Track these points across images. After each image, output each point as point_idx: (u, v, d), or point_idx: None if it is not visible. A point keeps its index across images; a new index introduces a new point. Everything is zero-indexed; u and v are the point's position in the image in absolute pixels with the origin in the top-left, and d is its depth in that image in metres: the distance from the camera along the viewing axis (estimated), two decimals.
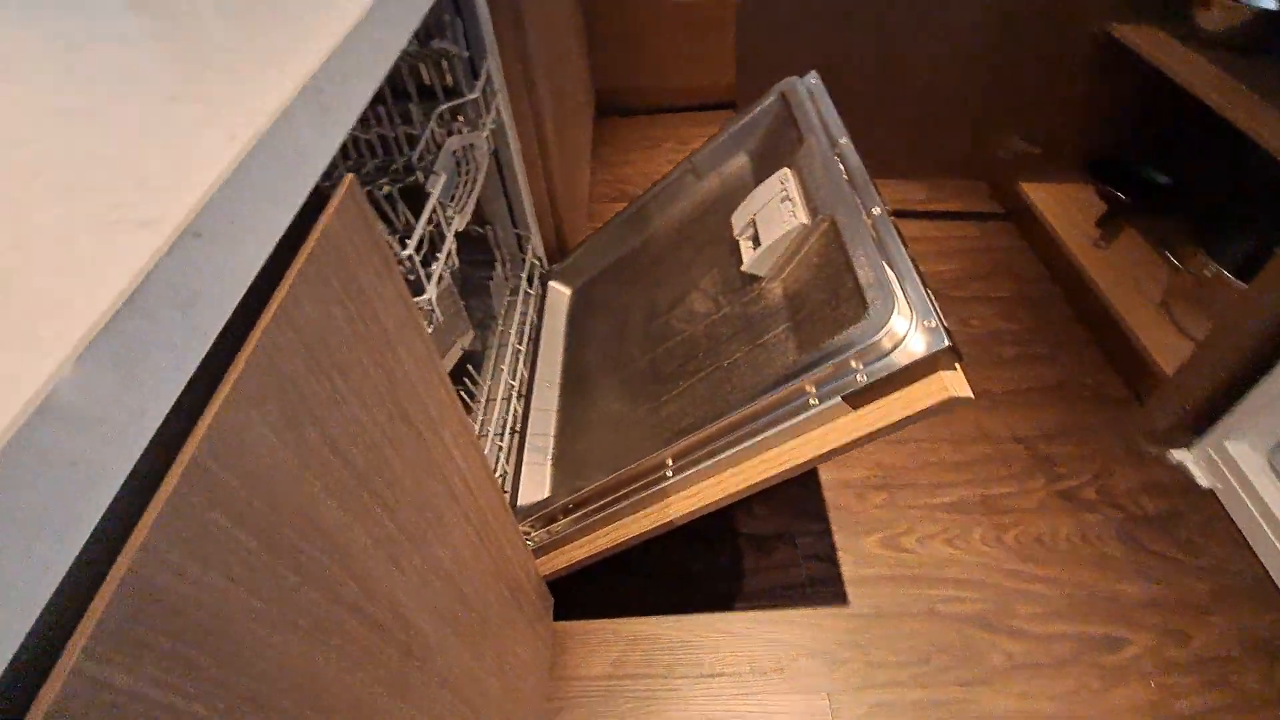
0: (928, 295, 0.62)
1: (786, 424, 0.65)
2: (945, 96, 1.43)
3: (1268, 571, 1.00)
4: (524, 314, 1.09)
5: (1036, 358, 1.31)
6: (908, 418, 0.59)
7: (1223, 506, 1.08)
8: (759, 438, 0.67)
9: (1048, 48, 1.33)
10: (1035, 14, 1.29)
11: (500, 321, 1.09)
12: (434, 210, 0.66)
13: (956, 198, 1.64)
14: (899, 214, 1.64)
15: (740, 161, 0.99)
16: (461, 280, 1.12)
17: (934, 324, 0.60)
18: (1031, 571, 1.01)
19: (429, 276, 0.65)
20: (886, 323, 0.60)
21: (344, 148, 0.85)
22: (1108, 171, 1.46)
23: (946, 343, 0.58)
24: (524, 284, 1.12)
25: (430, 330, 0.65)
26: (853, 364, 0.62)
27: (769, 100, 0.96)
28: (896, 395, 0.61)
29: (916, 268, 0.65)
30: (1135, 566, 1.01)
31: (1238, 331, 0.99)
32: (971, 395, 0.58)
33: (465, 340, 0.98)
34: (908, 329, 0.60)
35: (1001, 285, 1.46)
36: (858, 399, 0.62)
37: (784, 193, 0.80)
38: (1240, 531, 1.04)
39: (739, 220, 0.87)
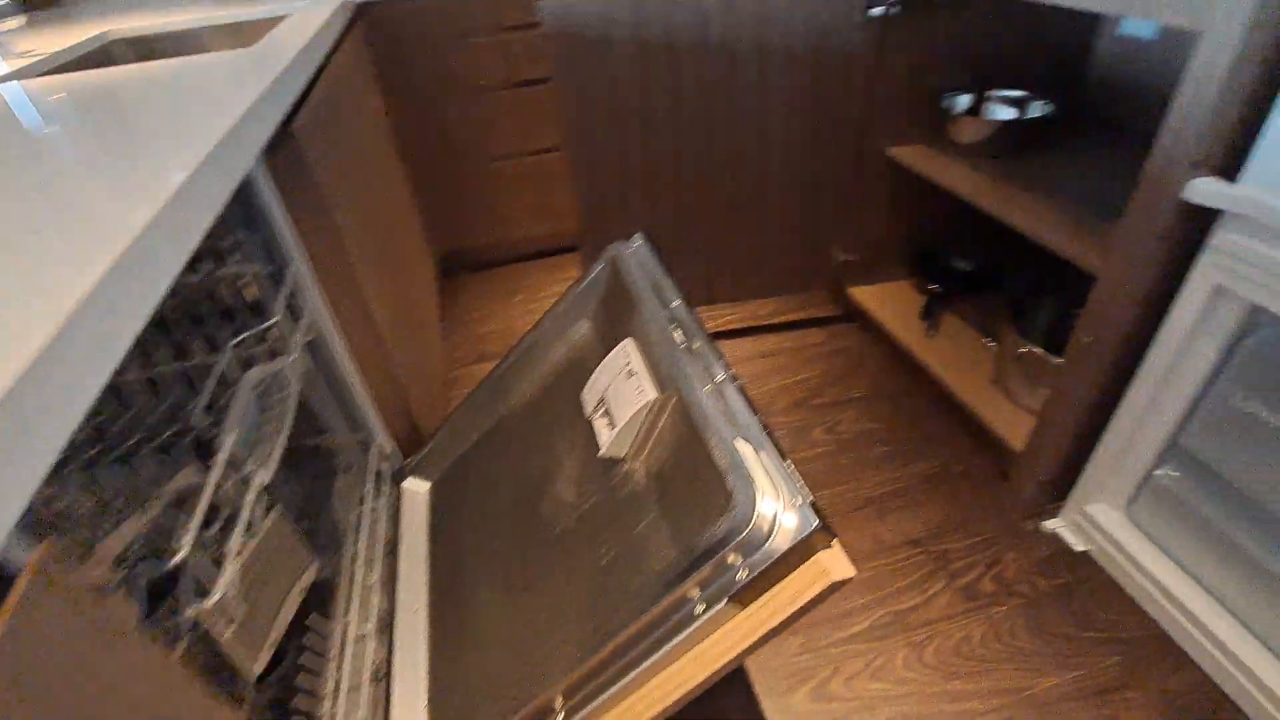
0: (787, 467, 0.60)
1: (677, 638, 0.58)
2: (774, 218, 1.54)
3: (1160, 626, 1.03)
4: (374, 528, 0.97)
5: (906, 453, 1.35)
6: (796, 612, 0.54)
7: (1101, 568, 1.12)
8: (651, 660, 0.59)
9: (848, 168, 1.48)
10: (834, 140, 1.43)
11: (350, 542, 0.95)
12: (221, 475, 0.56)
13: (801, 308, 1.74)
14: (752, 330, 1.71)
15: (584, 330, 0.97)
16: (305, 497, 0.99)
17: (800, 501, 0.57)
18: (959, 689, 0.97)
19: (224, 559, 0.54)
20: (753, 510, 0.56)
21: (117, 392, 0.73)
22: (923, 265, 1.62)
23: (816, 522, 0.55)
24: (371, 492, 1.00)
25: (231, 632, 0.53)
26: (730, 559, 0.57)
27: (599, 267, 0.96)
28: (781, 585, 0.56)
29: (771, 437, 0.63)
30: (1050, 656, 1.00)
31: (1065, 402, 1.07)
32: (853, 573, 0.55)
33: (308, 576, 0.84)
34: (777, 511, 0.57)
35: (858, 385, 1.52)
36: (744, 596, 0.57)
37: (629, 366, 0.77)
38: (1122, 589, 1.08)
39: (590, 398, 0.83)
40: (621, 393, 0.76)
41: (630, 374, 0.76)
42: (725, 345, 1.68)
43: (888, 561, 1.16)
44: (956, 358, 1.40)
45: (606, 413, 0.78)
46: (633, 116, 1.33)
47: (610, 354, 0.82)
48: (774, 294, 1.69)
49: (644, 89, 1.30)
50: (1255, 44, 0.71)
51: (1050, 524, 1.19)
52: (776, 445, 0.62)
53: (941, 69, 1.38)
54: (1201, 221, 0.83)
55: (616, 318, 0.89)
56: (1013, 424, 1.24)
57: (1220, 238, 0.82)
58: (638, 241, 0.96)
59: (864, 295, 1.64)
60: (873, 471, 1.32)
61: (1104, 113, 1.42)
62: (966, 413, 1.31)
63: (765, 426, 0.64)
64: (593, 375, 0.84)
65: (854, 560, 1.16)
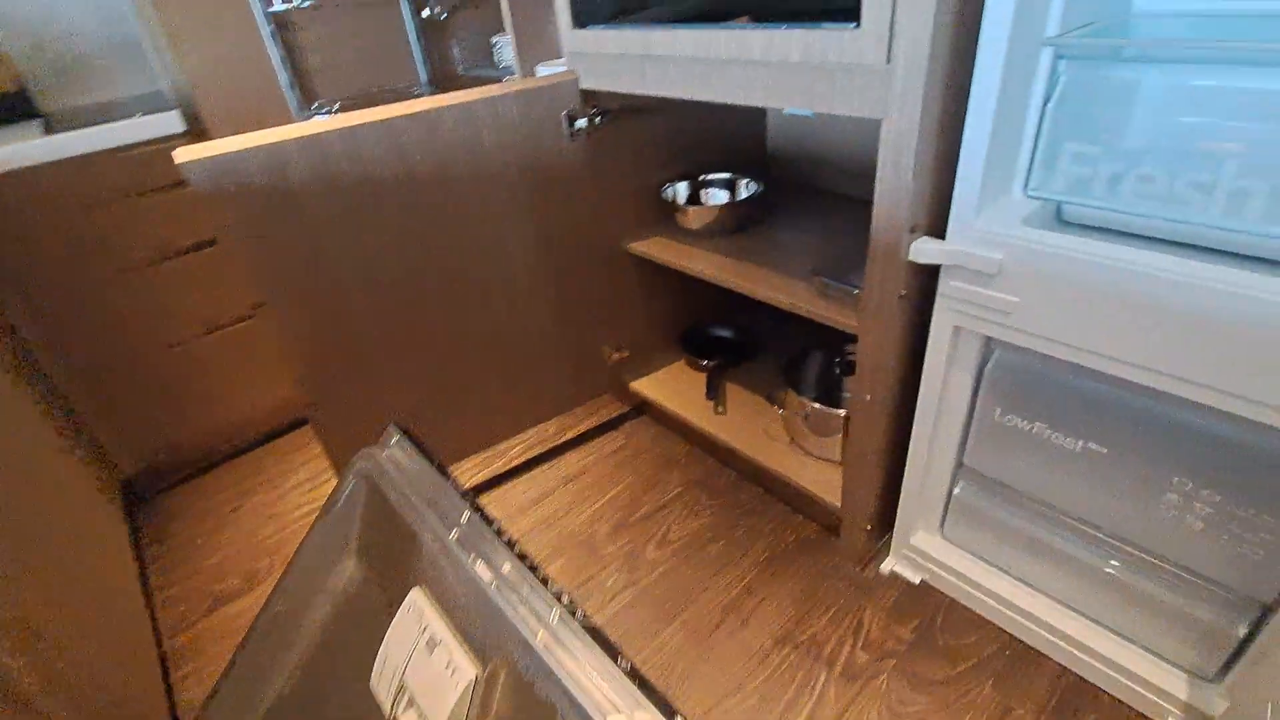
0: None
1: None
2: (536, 338, 1.42)
3: (1008, 633, 1.08)
4: None
5: (740, 540, 1.30)
6: None
7: (942, 593, 1.16)
8: None
9: (597, 272, 1.43)
10: (576, 249, 1.37)
11: None
12: None
13: (590, 415, 1.64)
14: (548, 455, 1.56)
15: (350, 573, 0.73)
16: None
17: None
18: None
19: None
20: None
21: None
22: (692, 342, 1.63)
23: None
24: None
25: None
26: None
27: (349, 487, 0.74)
28: None
29: (643, 683, 0.48)
30: (939, 708, 0.99)
31: (864, 452, 1.11)
32: None
33: None
34: None
35: (670, 481, 1.46)
36: None
37: (427, 632, 0.57)
38: (966, 608, 1.13)
39: (384, 686, 0.60)
40: (427, 675, 0.55)
41: (432, 644, 0.56)
42: (524, 483, 1.51)
43: (769, 672, 1.07)
44: (751, 428, 1.41)
45: (413, 705, 0.56)
46: (343, 267, 1.12)
47: (397, 615, 0.60)
48: (559, 412, 1.57)
49: (351, 234, 1.11)
50: (928, 128, 0.79)
51: (886, 565, 1.22)
52: (656, 695, 0.48)
53: (655, 165, 1.42)
54: (931, 274, 0.90)
55: (392, 555, 0.67)
56: (824, 480, 1.26)
57: (946, 286, 0.89)
58: (393, 438, 0.76)
59: (647, 387, 1.60)
60: (716, 575, 1.24)
61: (794, 179, 1.58)
62: (779, 480, 1.31)
63: (632, 672, 0.49)
64: (380, 649, 0.61)
65: (741, 684, 1.06)
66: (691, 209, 1.36)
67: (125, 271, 1.39)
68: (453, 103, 1.12)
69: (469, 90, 1.14)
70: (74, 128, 1.32)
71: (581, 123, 1.25)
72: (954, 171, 0.81)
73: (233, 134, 1.35)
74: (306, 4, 1.39)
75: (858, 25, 0.77)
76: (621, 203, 1.41)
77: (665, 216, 1.46)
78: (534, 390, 1.49)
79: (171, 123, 1.35)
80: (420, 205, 1.16)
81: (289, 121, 1.46)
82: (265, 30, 1.37)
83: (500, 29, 1.65)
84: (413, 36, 1.56)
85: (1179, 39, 0.76)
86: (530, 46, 1.38)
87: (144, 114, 1.34)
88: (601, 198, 1.37)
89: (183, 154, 0.95)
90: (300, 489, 1.59)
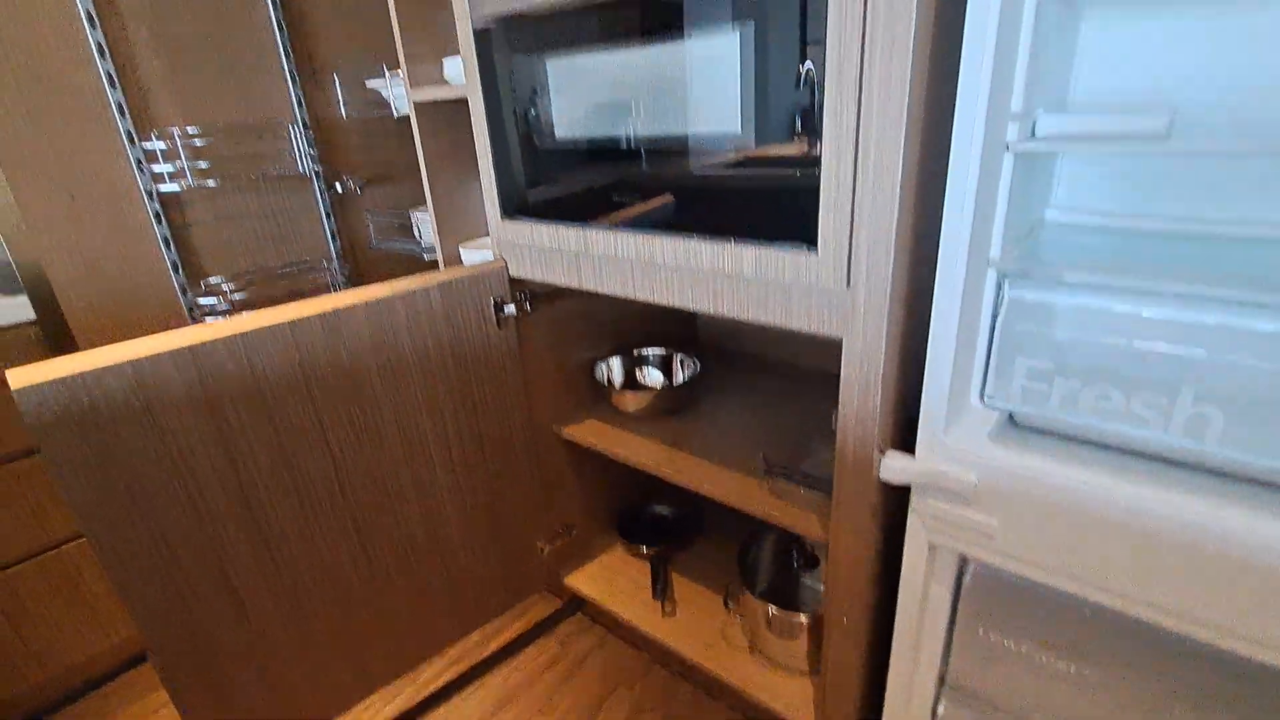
0: None
1: None
2: (460, 542, 1.24)
3: None
4: None
5: None
6: None
7: None
8: None
9: (528, 461, 1.29)
10: (503, 440, 1.24)
11: None
12: None
13: (520, 617, 1.43)
14: (474, 674, 1.33)
15: None
16: None
17: None
18: None
19: None
20: None
21: None
22: (629, 525, 1.50)
23: None
24: None
25: None
26: None
27: None
28: None
29: None
30: None
31: (839, 674, 0.99)
32: None
33: None
34: None
35: (619, 703, 1.26)
36: None
37: None
38: None
39: None
40: None
41: None
42: (445, 712, 1.26)
43: None
44: (706, 630, 1.26)
45: None
46: (213, 491, 0.93)
47: None
48: (484, 620, 1.36)
49: (229, 452, 0.93)
50: (891, 347, 0.76)
51: None
52: None
53: (585, 342, 1.36)
54: (902, 490, 0.84)
55: None
56: (793, 696, 1.12)
57: (918, 503, 0.83)
58: None
59: (584, 581, 1.43)
60: None
61: (725, 342, 1.56)
62: (742, 697, 1.15)
63: None
64: None
65: None
66: (628, 394, 1.28)
67: None
68: (368, 299, 1.01)
69: (386, 284, 1.04)
70: None
71: (509, 309, 1.17)
72: (915, 382, 0.77)
73: (96, 321, 1.17)
74: (204, 184, 1.27)
75: (813, 247, 0.74)
76: (551, 385, 1.32)
77: (598, 396, 1.37)
78: (454, 600, 1.28)
79: (16, 310, 1.15)
80: (323, 411, 1.01)
81: (170, 305, 1.29)
82: (148, 208, 1.23)
83: (419, 203, 1.60)
84: (323, 210, 1.47)
85: (1104, 267, 0.79)
86: (452, 223, 1.32)
87: None
88: (530, 382, 1.27)
89: (19, 376, 0.76)
90: None
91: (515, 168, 1.07)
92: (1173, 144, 0.70)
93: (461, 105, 1.09)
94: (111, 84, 1.16)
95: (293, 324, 0.94)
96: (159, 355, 0.84)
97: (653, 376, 1.41)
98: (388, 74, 1.30)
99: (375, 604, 1.17)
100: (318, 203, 1.46)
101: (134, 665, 1.43)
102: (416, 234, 1.48)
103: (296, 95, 1.38)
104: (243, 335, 0.90)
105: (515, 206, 1.10)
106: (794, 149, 0.73)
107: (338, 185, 1.47)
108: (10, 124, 1.08)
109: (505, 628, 1.42)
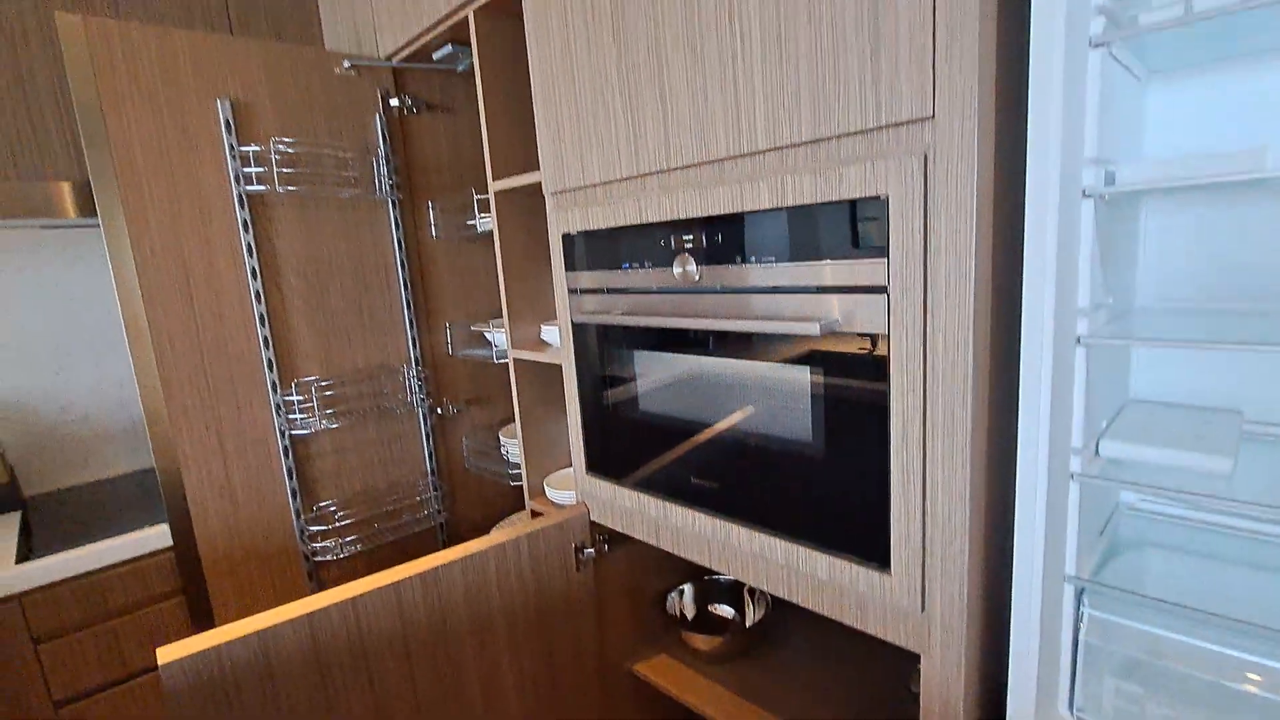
0: None
1: None
2: None
3: None
4: None
5: None
6: None
7: None
8: None
9: (596, 691, 1.29)
10: (573, 669, 1.25)
11: None
12: None
13: None
14: None
15: None
16: None
17: None
18: None
19: None
20: None
21: None
22: None
23: None
24: None
25: None
26: None
27: None
28: None
29: None
30: None
31: None
32: None
33: None
34: None
35: None
36: None
37: None
38: None
39: None
40: None
41: None
42: None
43: None
44: None
45: None
46: None
47: None
48: None
49: (326, 704, 0.99)
50: (971, 665, 0.76)
51: None
52: None
53: (658, 574, 1.39)
54: None
55: None
56: None
57: None
58: None
59: None
60: None
61: None
62: None
63: None
64: None
65: None
66: (698, 637, 1.28)
67: (46, 711, 1.21)
68: (464, 554, 1.09)
69: (481, 539, 1.13)
70: (51, 523, 1.26)
71: (589, 552, 1.24)
72: (1001, 682, 0.76)
73: (223, 545, 1.29)
74: (329, 425, 1.45)
75: (885, 568, 0.78)
76: (624, 620, 1.34)
77: (669, 624, 1.38)
78: None
79: (159, 539, 1.31)
80: (416, 666, 1.06)
81: (285, 530, 1.43)
82: (280, 446, 1.41)
83: (511, 420, 1.75)
84: (424, 433, 1.63)
85: (1186, 605, 0.78)
86: (539, 459, 1.44)
87: (134, 521, 1.30)
88: (604, 617, 1.30)
89: (166, 653, 0.87)
90: None
91: (602, 430, 1.18)
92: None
93: (555, 367, 1.24)
94: (266, 345, 1.38)
95: (397, 585, 1.03)
96: (280, 625, 0.94)
97: (724, 609, 1.42)
98: (492, 325, 1.50)
99: None
100: (420, 427, 1.62)
101: None
102: (505, 454, 1.60)
103: (412, 338, 1.59)
104: (353, 600, 0.99)
105: (600, 464, 1.20)
106: (863, 467, 0.79)
107: (439, 409, 1.64)
108: (189, 383, 1.29)
109: None
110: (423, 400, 1.60)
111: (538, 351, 1.31)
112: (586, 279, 1.11)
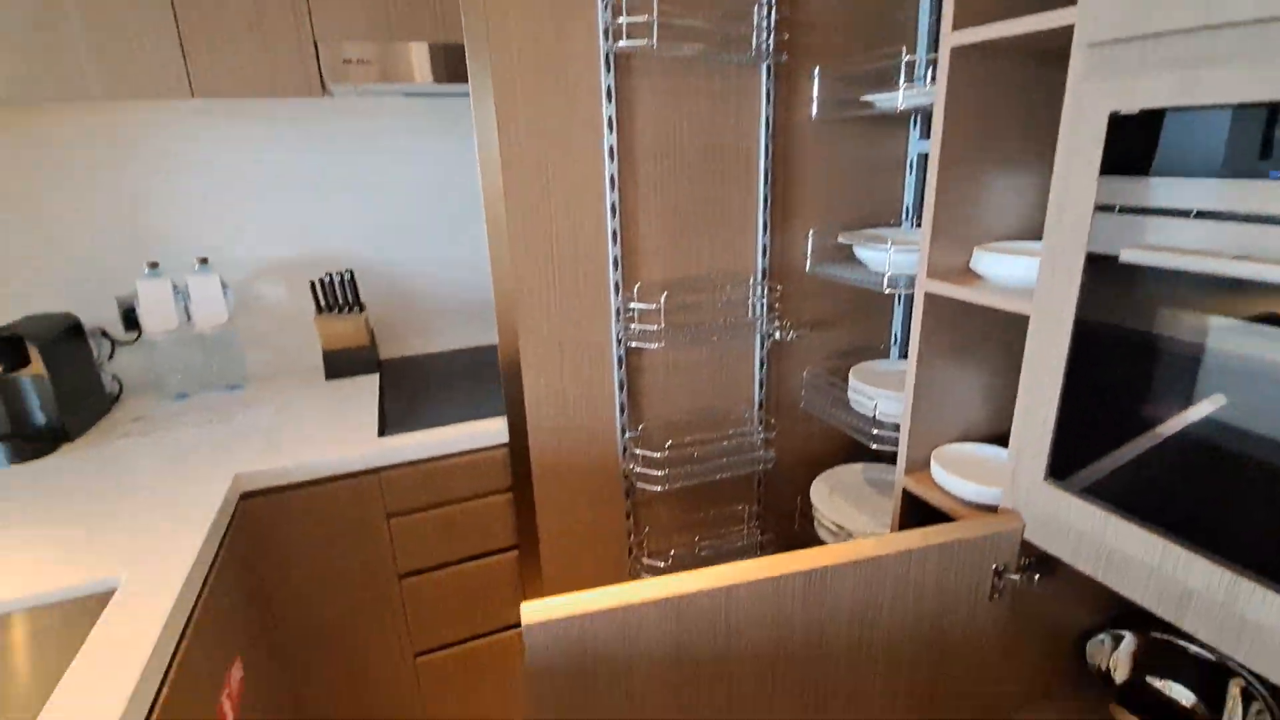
0: None
1: None
2: None
3: None
4: None
5: None
6: None
7: None
8: None
9: None
10: (952, 705, 0.96)
11: None
12: None
13: None
14: None
15: None
16: None
17: None
18: None
19: None
20: None
21: None
22: None
23: None
24: None
25: None
26: None
27: None
28: None
29: None
30: None
31: None
32: None
33: None
34: None
35: None
36: None
37: None
38: None
39: None
40: None
41: None
42: None
43: None
44: None
45: None
46: None
47: None
48: None
49: (675, 702, 0.82)
50: None
51: None
52: None
53: (1082, 612, 1.00)
54: None
55: None
56: None
57: None
58: None
59: None
60: None
61: None
62: None
63: None
64: None
65: None
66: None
67: (391, 581, 1.25)
68: (855, 556, 0.81)
69: (877, 539, 0.84)
70: (403, 394, 1.27)
71: (1012, 579, 0.88)
72: None
73: (551, 449, 1.18)
74: (666, 338, 1.24)
75: None
76: (1025, 663, 0.99)
77: (1081, 681, 1.00)
78: None
79: (498, 434, 1.25)
80: (778, 676, 0.84)
81: (609, 444, 1.30)
82: (614, 356, 1.24)
83: (857, 354, 1.41)
84: (758, 358, 1.36)
85: None
86: (928, 423, 1.08)
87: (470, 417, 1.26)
88: (1002, 658, 0.96)
89: (531, 612, 0.73)
90: None
91: (1086, 424, 0.78)
92: None
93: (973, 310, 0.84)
94: (614, 240, 1.18)
95: (777, 580, 0.79)
96: (645, 604, 0.76)
97: (1179, 690, 0.99)
98: (865, 239, 1.13)
99: None
100: (755, 351, 1.36)
101: None
102: (852, 399, 1.28)
103: (764, 244, 1.29)
104: (726, 589, 0.77)
105: (1065, 468, 0.81)
106: None
107: (777, 333, 1.35)
108: (538, 274, 1.15)
109: None
110: (764, 319, 1.33)
111: (962, 285, 0.92)
112: (1150, 192, 0.68)
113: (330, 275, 1.52)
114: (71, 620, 0.82)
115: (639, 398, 1.30)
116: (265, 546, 1.15)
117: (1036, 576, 0.90)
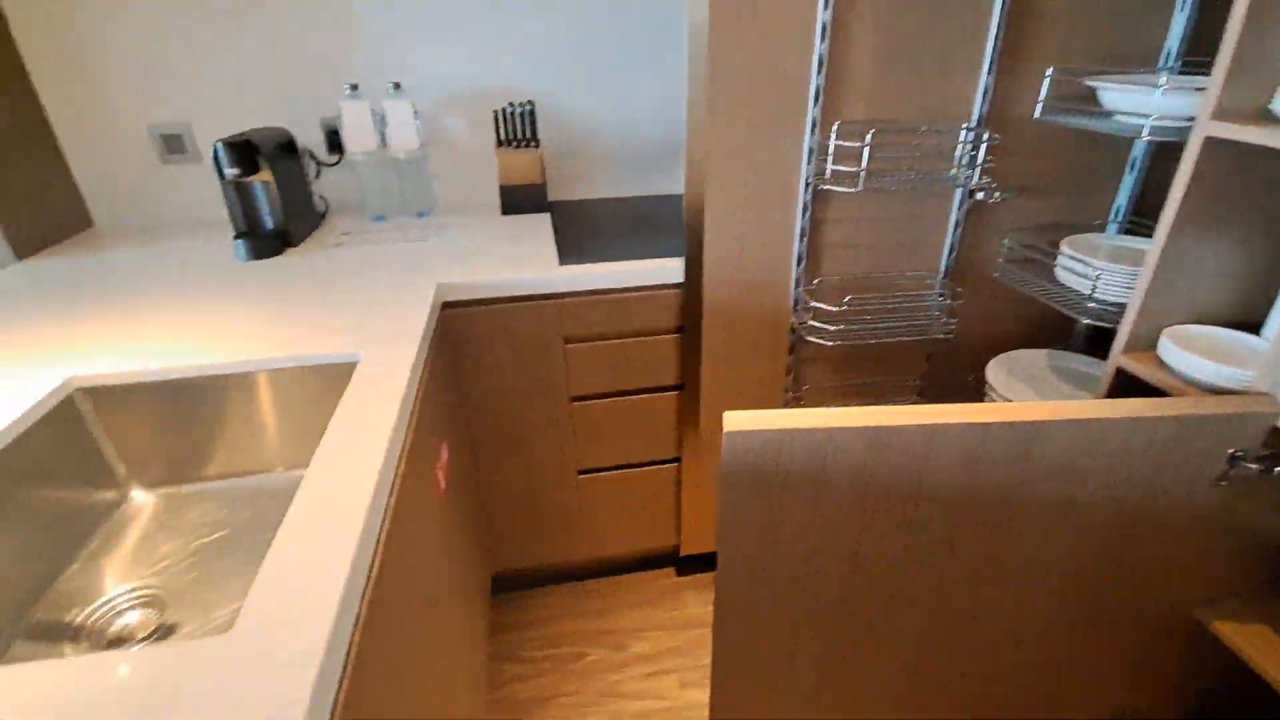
0: None
1: None
2: (1011, 682, 1.02)
3: None
4: None
5: None
6: None
7: None
8: None
9: (1140, 634, 0.97)
10: (1120, 600, 0.94)
11: None
12: None
13: None
14: None
15: None
16: None
17: None
18: None
19: None
20: None
21: None
22: None
23: None
24: None
25: None
26: None
27: None
28: None
29: None
30: None
31: None
32: None
33: None
34: None
35: None
36: None
37: None
38: None
39: None
40: None
41: None
42: None
43: None
44: None
45: None
46: (825, 558, 0.86)
47: None
48: None
49: (854, 532, 0.84)
50: None
51: None
52: None
53: None
54: None
55: None
56: None
57: None
58: None
59: None
60: None
61: None
62: None
63: None
64: None
65: None
66: None
67: (563, 402, 1.35)
68: (1076, 415, 0.77)
69: (1098, 402, 0.78)
70: (573, 233, 1.31)
71: (1249, 466, 0.80)
72: None
73: (723, 290, 1.18)
74: (858, 184, 1.16)
75: None
76: (1226, 558, 0.92)
77: (1277, 584, 0.93)
78: None
79: (674, 272, 1.26)
80: (961, 526, 0.84)
81: (781, 295, 1.27)
82: (800, 199, 1.18)
83: (1066, 225, 1.26)
84: (954, 220, 1.26)
85: None
86: (1165, 298, 0.96)
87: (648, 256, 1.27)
88: (1205, 549, 0.90)
89: (733, 421, 0.76)
90: (640, 667, 1.43)
91: None
92: None
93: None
94: (819, 68, 1.08)
95: (986, 426, 0.76)
96: (846, 429, 0.76)
97: None
98: (1113, 80, 0.96)
99: (899, 703, 1.04)
100: (952, 210, 1.25)
101: (642, 569, 1.65)
102: (1061, 272, 1.16)
103: (986, 85, 1.14)
104: (930, 426, 0.76)
105: None
106: None
107: (982, 192, 1.23)
108: (735, 110, 1.09)
109: None
110: (972, 174, 1.20)
111: (1264, 128, 0.76)
112: None
113: (511, 105, 1.53)
114: (329, 382, 0.95)
115: (819, 249, 1.25)
116: (460, 354, 1.26)
117: (1277, 470, 0.81)
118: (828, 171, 1.16)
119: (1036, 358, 1.35)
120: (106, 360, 0.93)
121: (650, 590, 1.62)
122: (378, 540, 0.66)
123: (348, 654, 0.54)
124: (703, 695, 1.37)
